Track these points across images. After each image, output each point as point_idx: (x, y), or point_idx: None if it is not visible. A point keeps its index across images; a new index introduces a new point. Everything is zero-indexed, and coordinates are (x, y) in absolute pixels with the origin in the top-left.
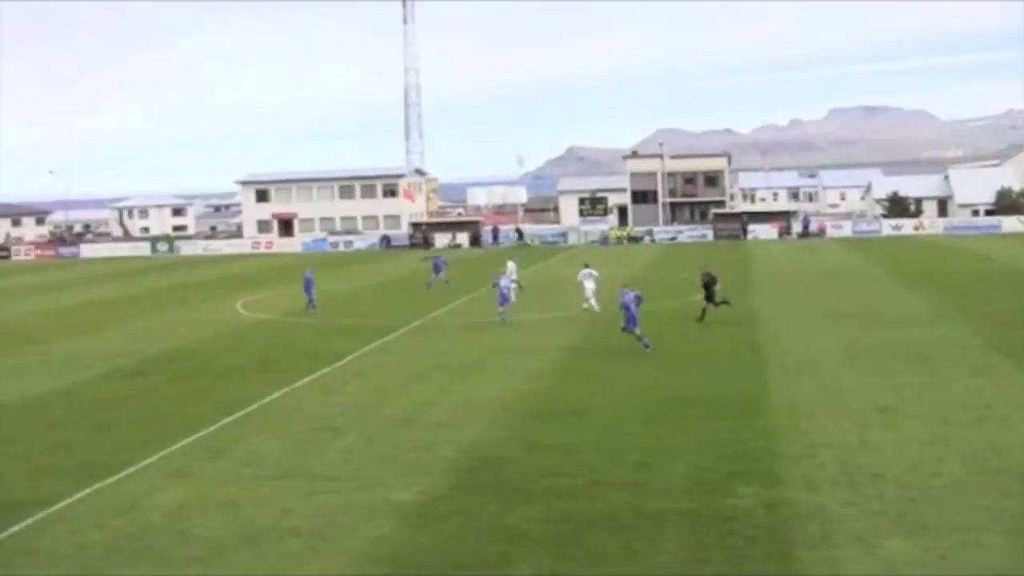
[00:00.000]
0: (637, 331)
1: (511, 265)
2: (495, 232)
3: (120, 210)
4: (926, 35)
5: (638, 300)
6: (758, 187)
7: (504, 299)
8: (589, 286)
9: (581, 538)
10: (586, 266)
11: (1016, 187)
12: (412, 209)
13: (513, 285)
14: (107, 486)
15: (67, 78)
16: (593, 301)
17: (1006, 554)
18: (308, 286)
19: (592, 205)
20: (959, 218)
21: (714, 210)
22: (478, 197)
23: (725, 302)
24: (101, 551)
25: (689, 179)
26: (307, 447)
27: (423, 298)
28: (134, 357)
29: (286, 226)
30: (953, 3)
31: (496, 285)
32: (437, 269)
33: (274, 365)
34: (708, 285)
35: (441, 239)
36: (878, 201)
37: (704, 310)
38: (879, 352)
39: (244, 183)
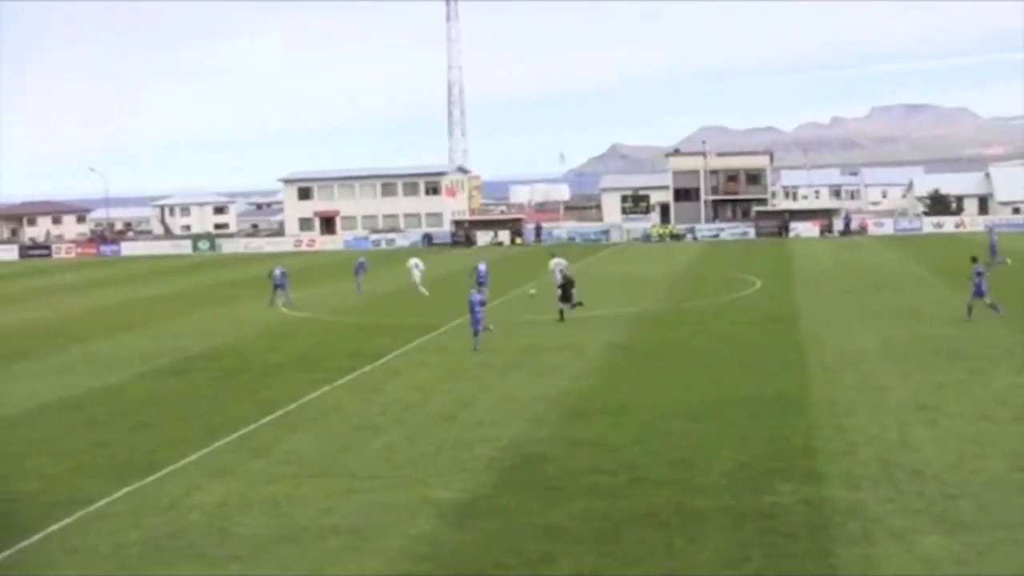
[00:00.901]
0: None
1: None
2: (537, 230)
3: (161, 208)
4: (967, 33)
5: (481, 303)
6: (800, 185)
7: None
8: (556, 279)
9: (622, 535)
10: (553, 256)
11: None
12: (454, 207)
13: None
14: (147, 485)
15: (109, 76)
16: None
17: None
18: (358, 270)
19: (634, 203)
20: (1000, 216)
21: (756, 208)
22: (520, 194)
23: (579, 303)
24: (140, 550)
25: (731, 177)
26: (347, 445)
27: (464, 296)
28: (175, 355)
29: (328, 224)
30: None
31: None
32: (358, 272)
33: (315, 364)
34: (565, 287)
35: (483, 236)
36: (919, 199)
37: (562, 311)
38: (919, 349)
39: (286, 181)
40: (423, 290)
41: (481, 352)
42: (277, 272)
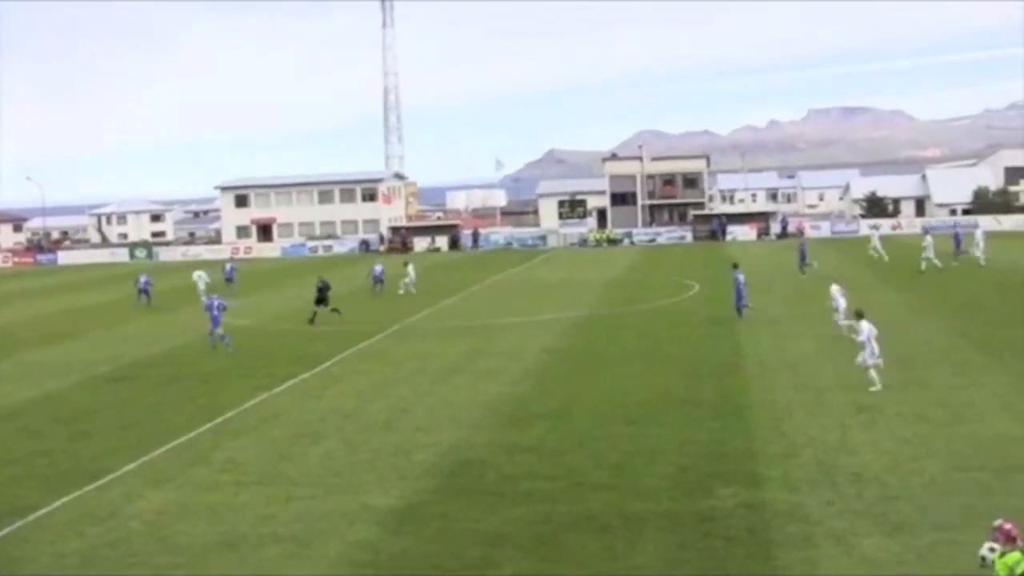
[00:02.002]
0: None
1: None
2: (475, 236)
3: (98, 216)
4: (903, 36)
5: (221, 307)
6: (737, 188)
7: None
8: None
9: (562, 540)
10: (406, 264)
11: (993, 187)
12: (391, 213)
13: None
14: (87, 493)
15: (44, 84)
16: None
17: None
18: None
19: (571, 208)
20: (937, 218)
21: (693, 212)
22: (457, 201)
23: (335, 310)
24: (81, 559)
25: (668, 181)
26: (286, 453)
27: (402, 302)
28: (114, 364)
29: (265, 231)
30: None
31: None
32: (229, 280)
33: (254, 371)
34: (322, 290)
35: (420, 243)
36: (856, 201)
37: (315, 313)
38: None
39: (223, 189)
40: (204, 297)
41: (232, 352)
42: (142, 279)
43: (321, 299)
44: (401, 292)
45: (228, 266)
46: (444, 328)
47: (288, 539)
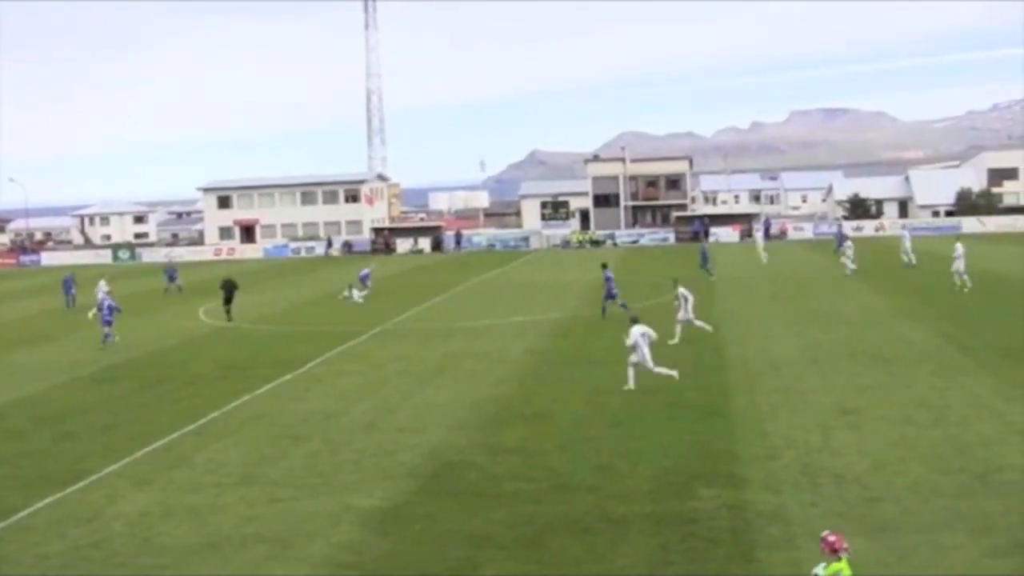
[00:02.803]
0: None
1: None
2: (457, 237)
3: (81, 218)
4: (885, 38)
5: (111, 308)
6: (720, 190)
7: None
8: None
9: (545, 542)
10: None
11: (976, 188)
12: (374, 214)
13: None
14: (69, 495)
15: (27, 86)
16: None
17: (967, 553)
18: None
19: (554, 209)
20: (920, 219)
21: (676, 213)
22: (440, 202)
23: (228, 312)
24: (63, 560)
25: (651, 182)
26: (269, 454)
27: (384, 304)
28: (96, 365)
29: (248, 232)
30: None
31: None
32: (171, 278)
33: (236, 372)
34: (229, 288)
35: (403, 244)
36: (839, 203)
37: (228, 311)
38: (841, 353)
39: (206, 190)
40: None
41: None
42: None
43: (228, 298)
44: (344, 296)
45: (171, 268)
46: (427, 329)
47: (271, 540)
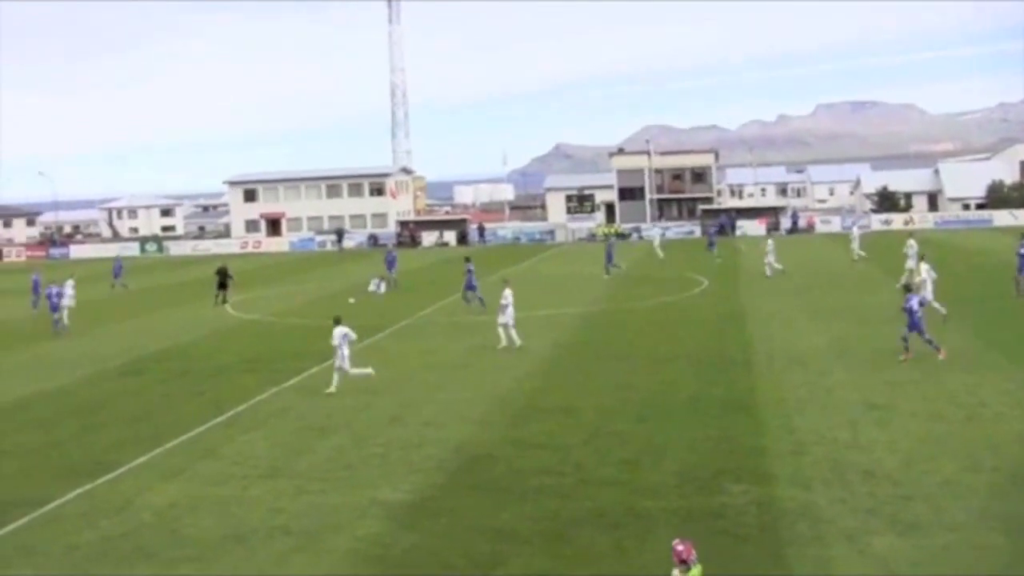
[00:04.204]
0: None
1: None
2: (480, 230)
3: (109, 211)
4: (913, 29)
5: (59, 294)
6: (746, 183)
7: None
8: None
9: (571, 536)
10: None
11: (1008, 181)
12: (399, 207)
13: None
14: (98, 486)
15: (56, 79)
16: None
17: (999, 552)
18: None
19: (579, 202)
20: (950, 212)
21: (701, 206)
22: (465, 195)
23: (224, 299)
24: (92, 551)
25: (676, 175)
26: (296, 447)
27: (409, 298)
28: (124, 357)
29: (274, 226)
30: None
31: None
32: (116, 274)
33: (263, 365)
34: (222, 275)
35: (428, 237)
36: (867, 196)
37: (218, 297)
38: (869, 348)
39: (232, 183)
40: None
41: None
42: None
43: (222, 284)
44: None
45: (117, 263)
46: (452, 323)
47: (297, 533)
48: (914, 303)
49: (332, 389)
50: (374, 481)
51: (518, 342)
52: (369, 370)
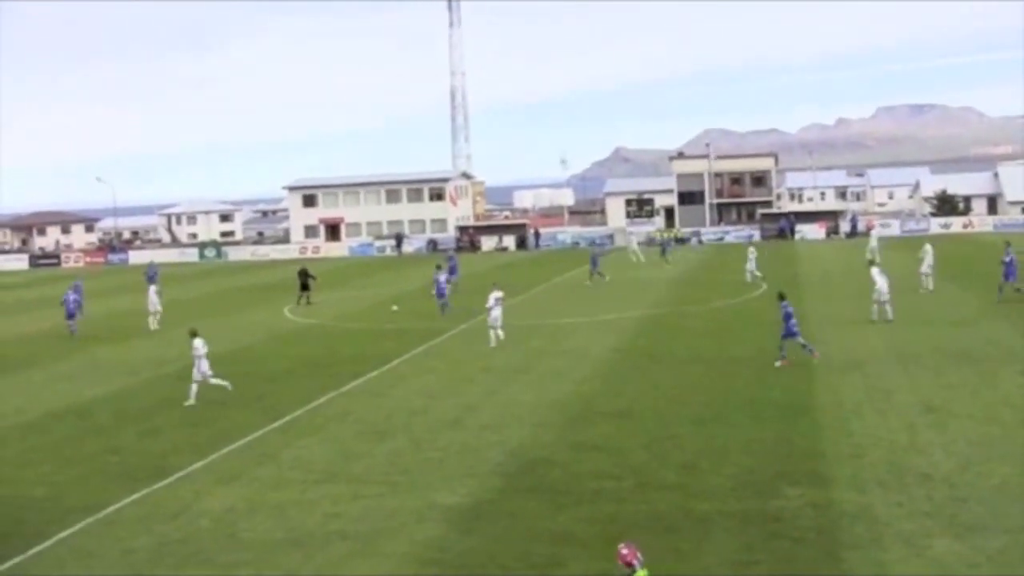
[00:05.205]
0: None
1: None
2: (536, 235)
3: (168, 216)
4: (973, 31)
5: (76, 302)
6: (805, 187)
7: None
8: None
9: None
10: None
11: None
12: (459, 212)
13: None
14: (156, 491)
15: (114, 85)
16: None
17: None
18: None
19: (639, 206)
20: (1009, 216)
21: (761, 210)
22: (524, 200)
23: (308, 300)
24: (149, 555)
25: (736, 179)
26: (353, 451)
27: (468, 302)
28: (182, 362)
29: (333, 231)
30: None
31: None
32: (151, 279)
33: (321, 370)
34: (304, 277)
35: (488, 242)
36: (926, 199)
37: (302, 298)
38: (927, 351)
39: (291, 188)
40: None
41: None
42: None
43: (304, 285)
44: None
45: (152, 269)
46: (510, 327)
47: (355, 537)
48: (791, 308)
49: (190, 402)
50: (432, 484)
51: (494, 343)
52: (226, 383)
